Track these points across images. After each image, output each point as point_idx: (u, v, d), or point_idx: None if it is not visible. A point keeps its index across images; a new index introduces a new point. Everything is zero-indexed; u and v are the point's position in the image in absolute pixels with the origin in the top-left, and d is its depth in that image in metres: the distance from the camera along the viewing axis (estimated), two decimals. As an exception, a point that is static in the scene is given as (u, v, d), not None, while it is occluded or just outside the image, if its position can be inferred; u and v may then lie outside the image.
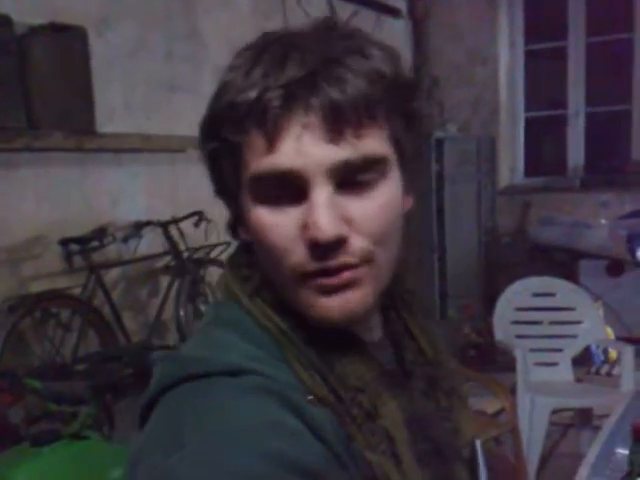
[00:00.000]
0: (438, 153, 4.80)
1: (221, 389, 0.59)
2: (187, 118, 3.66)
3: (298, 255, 0.62)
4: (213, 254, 3.51)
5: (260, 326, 0.66)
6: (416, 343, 0.76)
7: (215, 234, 3.63)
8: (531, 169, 5.41)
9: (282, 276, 0.65)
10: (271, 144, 0.61)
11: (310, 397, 0.62)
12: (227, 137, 0.64)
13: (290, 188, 0.62)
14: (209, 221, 3.50)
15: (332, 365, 0.65)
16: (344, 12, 4.78)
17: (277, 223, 0.63)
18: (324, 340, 0.66)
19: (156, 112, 3.52)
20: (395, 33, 5.37)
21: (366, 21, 4.99)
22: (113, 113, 3.30)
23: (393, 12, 5.31)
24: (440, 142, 4.81)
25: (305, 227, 0.61)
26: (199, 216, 3.45)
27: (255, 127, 0.62)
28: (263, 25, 3.81)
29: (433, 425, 0.72)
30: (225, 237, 3.59)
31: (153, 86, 3.51)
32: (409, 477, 0.65)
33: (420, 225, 4.68)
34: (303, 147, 0.60)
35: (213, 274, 3.51)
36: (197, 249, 3.50)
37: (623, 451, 1.56)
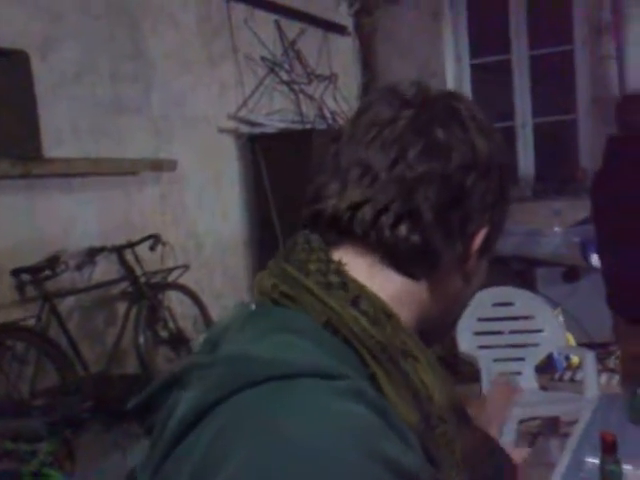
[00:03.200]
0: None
1: (318, 390, 0.56)
2: (137, 140, 3.59)
3: None
4: (171, 278, 3.43)
5: (330, 329, 0.65)
6: None
7: (172, 257, 3.55)
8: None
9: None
10: None
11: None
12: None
13: None
14: (165, 244, 3.42)
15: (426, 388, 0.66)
16: (291, 31, 4.79)
17: None
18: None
19: (104, 135, 3.44)
20: (342, 51, 5.40)
21: (313, 39, 5.01)
22: (60, 138, 3.21)
23: (339, 30, 5.34)
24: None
25: None
26: (155, 239, 3.37)
27: None
28: (210, 42, 3.79)
29: (475, 456, 0.78)
30: (182, 260, 3.55)
31: (100, 108, 3.43)
32: None
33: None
34: None
35: (172, 298, 3.43)
36: (154, 273, 3.41)
37: (593, 460, 1.55)
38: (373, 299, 0.67)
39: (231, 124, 4.27)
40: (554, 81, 5.33)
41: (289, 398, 0.56)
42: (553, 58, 5.28)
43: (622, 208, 2.94)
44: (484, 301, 3.51)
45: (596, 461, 1.48)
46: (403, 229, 0.68)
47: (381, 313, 0.67)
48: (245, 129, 4.34)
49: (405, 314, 0.70)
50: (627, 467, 1.10)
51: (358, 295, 0.67)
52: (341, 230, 0.70)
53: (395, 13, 5.48)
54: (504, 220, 0.76)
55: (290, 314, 0.67)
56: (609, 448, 1.08)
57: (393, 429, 0.57)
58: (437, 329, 0.76)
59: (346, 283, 0.67)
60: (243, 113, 4.35)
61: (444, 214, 0.69)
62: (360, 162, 0.70)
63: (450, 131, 0.70)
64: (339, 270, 0.68)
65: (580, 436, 1.89)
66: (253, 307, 0.70)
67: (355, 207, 0.69)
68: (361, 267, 0.70)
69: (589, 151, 5.04)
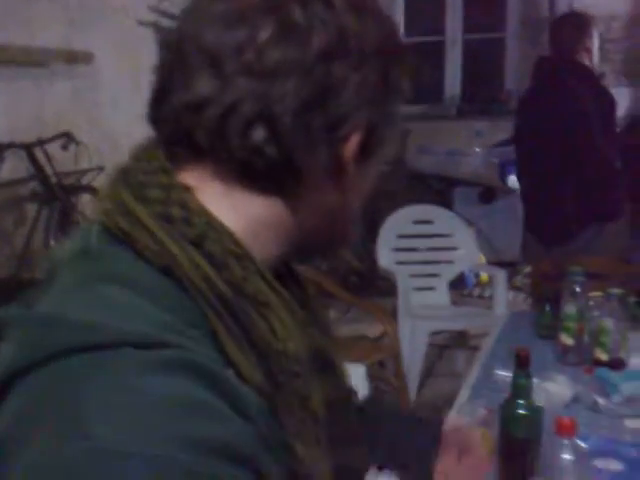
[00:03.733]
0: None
1: (128, 363, 0.48)
2: (50, 29, 3.33)
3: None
4: (85, 180, 3.27)
5: (171, 276, 0.55)
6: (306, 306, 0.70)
7: (86, 158, 3.37)
8: (409, 96, 5.44)
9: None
10: None
11: (231, 370, 0.53)
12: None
13: None
14: (79, 143, 3.24)
15: (277, 339, 0.58)
16: None
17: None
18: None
19: (14, 22, 3.15)
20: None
21: None
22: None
23: None
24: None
25: None
26: (67, 137, 3.18)
27: None
28: None
29: (340, 407, 0.70)
30: (97, 162, 3.37)
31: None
32: (325, 461, 0.62)
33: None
34: None
35: (85, 202, 3.28)
36: (67, 174, 3.24)
37: (502, 372, 1.62)
38: (222, 236, 0.57)
39: (152, 17, 4.01)
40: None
41: (97, 377, 0.47)
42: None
43: (544, 128, 2.97)
44: (404, 218, 3.56)
45: (504, 373, 1.55)
46: (255, 136, 0.55)
47: (230, 254, 0.57)
48: (167, 23, 4.09)
49: (270, 239, 0.61)
50: (534, 380, 1.17)
51: (203, 232, 0.56)
52: (187, 142, 0.57)
53: None
54: (392, 118, 0.63)
55: (122, 257, 0.56)
56: (523, 362, 1.13)
57: (224, 399, 0.49)
58: (319, 247, 0.68)
59: (189, 217, 0.56)
60: (165, 5, 4.08)
61: (306, 115, 0.56)
62: (201, 46, 0.56)
63: (309, 9, 0.56)
64: (182, 199, 0.57)
65: (490, 349, 1.98)
66: (94, 239, 0.58)
67: (195, 108, 0.56)
68: (213, 191, 0.59)
69: (515, 72, 5.08)
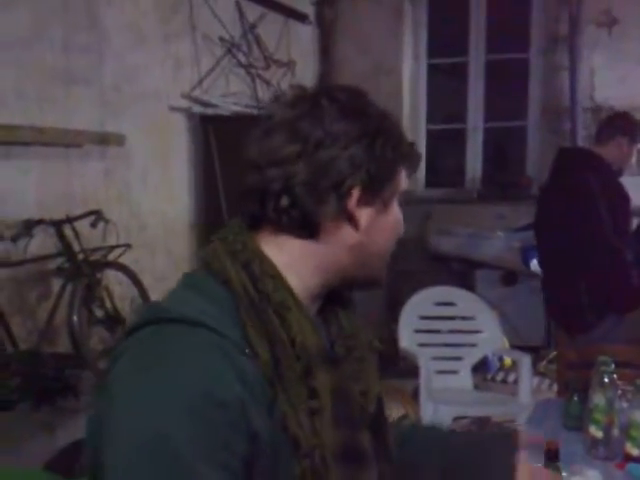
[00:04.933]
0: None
1: (174, 335, 0.81)
2: (86, 112, 3.47)
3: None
4: (111, 256, 3.33)
5: (226, 287, 0.87)
6: (339, 321, 0.99)
7: (114, 236, 3.45)
8: (432, 180, 5.52)
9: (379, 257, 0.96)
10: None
11: (247, 350, 0.82)
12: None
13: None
14: (107, 221, 3.32)
15: (290, 333, 0.85)
16: (252, 14, 4.71)
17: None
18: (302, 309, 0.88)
19: (51, 104, 3.30)
20: (302, 38, 5.35)
21: (273, 24, 4.95)
22: (4, 103, 3.07)
23: (300, 17, 5.28)
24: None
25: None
26: (97, 215, 3.27)
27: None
28: (168, 18, 3.66)
29: (350, 395, 0.91)
30: (125, 239, 3.43)
31: (49, 77, 3.29)
32: (321, 436, 0.84)
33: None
34: None
35: (111, 278, 3.33)
36: (93, 250, 3.30)
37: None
38: (263, 263, 0.88)
39: (184, 103, 4.17)
40: (508, 87, 5.39)
41: (162, 339, 0.81)
42: (509, 64, 5.35)
43: (559, 221, 3.00)
44: (426, 299, 3.55)
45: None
46: (282, 203, 0.87)
47: (266, 274, 0.87)
48: (198, 109, 4.25)
49: (307, 269, 0.90)
50: (564, 474, 1.13)
51: (250, 259, 0.88)
52: (254, 212, 0.91)
53: (357, 6, 5.46)
54: (386, 174, 0.90)
55: (200, 275, 0.90)
56: (553, 455, 1.10)
57: (234, 368, 0.79)
58: (355, 277, 0.95)
59: (244, 250, 0.89)
60: (197, 93, 4.26)
61: (313, 184, 0.86)
62: (249, 156, 0.90)
63: (308, 121, 0.87)
64: (243, 240, 0.90)
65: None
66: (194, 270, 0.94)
67: (247, 195, 0.91)
68: (267, 238, 0.91)
69: (536, 159, 5.15)
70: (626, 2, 4.80)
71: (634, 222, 3.26)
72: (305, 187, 0.86)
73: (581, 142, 4.73)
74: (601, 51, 4.86)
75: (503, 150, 5.74)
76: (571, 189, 2.96)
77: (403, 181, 0.95)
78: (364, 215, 0.90)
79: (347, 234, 0.90)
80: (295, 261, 0.90)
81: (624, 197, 3.00)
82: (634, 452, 1.69)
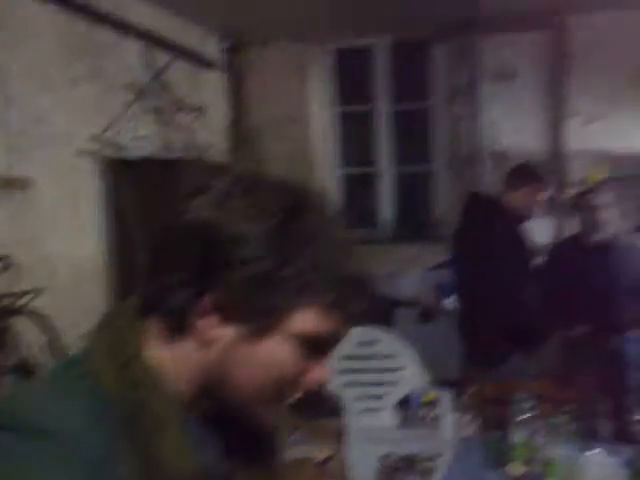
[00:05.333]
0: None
1: (27, 452, 0.68)
2: (-10, 155, 3.30)
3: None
4: (21, 303, 3.14)
5: (101, 389, 0.76)
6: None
7: (22, 281, 3.27)
8: (345, 223, 5.57)
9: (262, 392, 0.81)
10: None
11: (111, 466, 0.71)
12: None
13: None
14: (15, 266, 3.14)
15: (163, 453, 0.75)
16: (160, 60, 4.69)
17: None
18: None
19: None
20: (212, 84, 5.36)
21: (183, 70, 4.94)
22: None
23: (208, 65, 5.30)
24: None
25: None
26: (3, 261, 3.08)
27: None
28: (72, 63, 3.58)
29: None
30: (33, 284, 3.25)
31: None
32: None
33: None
34: None
35: (19, 325, 3.13)
36: (1, 297, 3.11)
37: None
38: (143, 365, 0.77)
39: (93, 146, 4.06)
40: (415, 134, 5.58)
41: (12, 451, 0.68)
42: (414, 112, 5.54)
43: (473, 264, 3.12)
44: (348, 340, 3.53)
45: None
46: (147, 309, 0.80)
47: (148, 379, 0.76)
48: (108, 152, 4.15)
49: (185, 376, 0.79)
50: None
51: (129, 359, 0.77)
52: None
53: (265, 54, 5.54)
54: (237, 289, 0.76)
55: (76, 372, 0.77)
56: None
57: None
58: (227, 404, 0.82)
59: (126, 346, 0.78)
60: (107, 136, 4.16)
61: (166, 296, 0.78)
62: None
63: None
64: (128, 336, 0.79)
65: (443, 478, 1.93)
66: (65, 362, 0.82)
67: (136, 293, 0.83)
68: (152, 335, 0.80)
69: (444, 201, 5.32)
70: (523, 55, 5.09)
71: (538, 260, 3.47)
72: (158, 298, 0.80)
73: (486, 187, 4.93)
74: (500, 102, 5.10)
75: (414, 193, 5.91)
76: (478, 231, 3.11)
77: (310, 321, 0.80)
78: (218, 331, 0.78)
79: (204, 355, 0.80)
80: (180, 362, 0.80)
81: (524, 246, 3.18)
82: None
